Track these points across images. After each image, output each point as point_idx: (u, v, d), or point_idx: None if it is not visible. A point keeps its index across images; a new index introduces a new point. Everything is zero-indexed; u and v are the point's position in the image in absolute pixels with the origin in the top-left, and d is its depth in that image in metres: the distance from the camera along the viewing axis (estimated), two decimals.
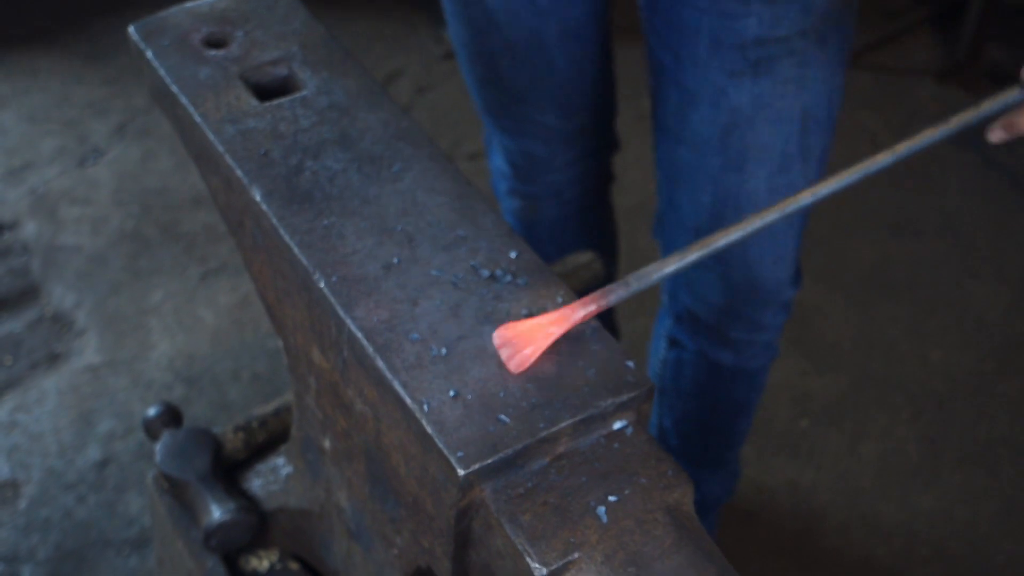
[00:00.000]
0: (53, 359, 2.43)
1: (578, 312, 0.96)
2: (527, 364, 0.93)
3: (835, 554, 2.21)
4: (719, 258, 1.61)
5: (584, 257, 1.58)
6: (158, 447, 1.32)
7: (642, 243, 2.72)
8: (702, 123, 1.52)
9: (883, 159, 1.09)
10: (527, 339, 0.94)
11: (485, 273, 1.01)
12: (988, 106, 1.14)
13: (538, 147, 1.78)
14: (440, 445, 0.88)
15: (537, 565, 0.85)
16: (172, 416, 1.37)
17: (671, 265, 0.99)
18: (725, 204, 1.57)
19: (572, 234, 1.93)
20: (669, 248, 1.73)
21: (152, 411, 1.37)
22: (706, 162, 1.55)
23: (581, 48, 1.66)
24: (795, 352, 2.56)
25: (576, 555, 0.85)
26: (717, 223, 1.59)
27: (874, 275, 2.78)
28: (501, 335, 0.95)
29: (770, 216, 1.04)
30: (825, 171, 1.60)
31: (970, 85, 3.28)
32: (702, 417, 1.91)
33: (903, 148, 1.09)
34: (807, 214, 1.65)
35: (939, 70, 3.35)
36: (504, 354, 0.93)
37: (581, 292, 1.01)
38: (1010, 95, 1.15)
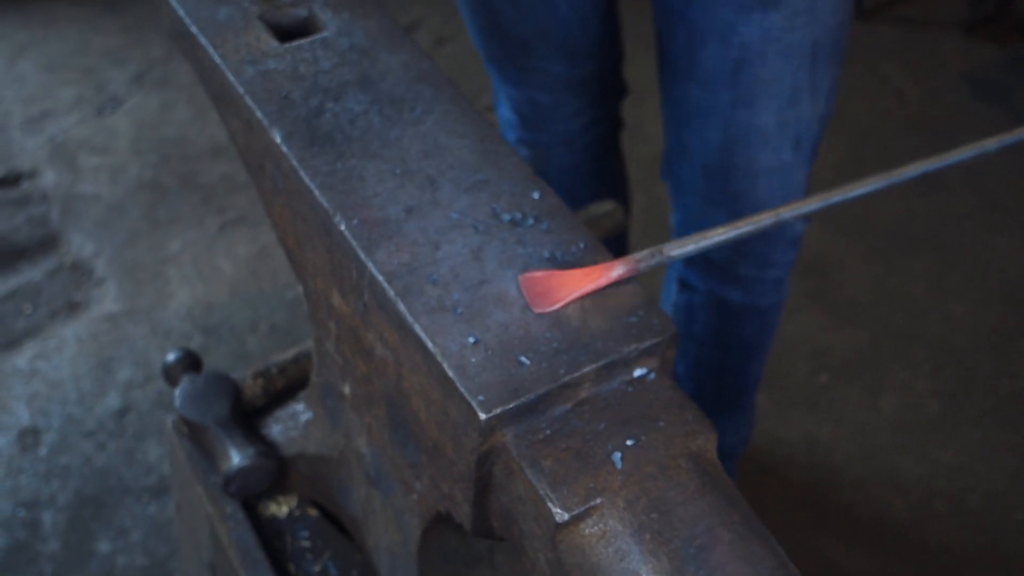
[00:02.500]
0: (72, 308, 2.43)
1: (611, 272, 0.94)
2: (549, 309, 0.92)
3: (852, 508, 2.21)
4: (728, 193, 1.61)
5: (606, 206, 1.57)
6: (178, 392, 1.32)
7: (660, 193, 2.70)
8: (711, 60, 1.51)
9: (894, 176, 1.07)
10: (554, 289, 0.93)
11: (507, 217, 1.00)
12: None
13: (544, 96, 1.77)
14: (461, 389, 0.87)
15: (559, 510, 0.84)
16: (192, 361, 1.37)
17: (713, 237, 0.97)
18: (735, 140, 1.56)
19: (583, 182, 1.92)
20: (677, 188, 1.72)
21: (171, 356, 1.36)
22: (716, 99, 1.54)
23: None
24: (815, 306, 2.54)
25: (598, 500, 0.84)
26: (726, 160, 1.59)
27: (897, 230, 2.76)
28: (528, 280, 0.93)
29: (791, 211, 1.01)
30: (833, 103, 1.59)
31: (999, 38, 3.24)
32: (715, 361, 1.91)
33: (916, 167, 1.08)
34: (815, 150, 1.63)
35: (967, 23, 3.30)
36: (528, 294, 0.92)
37: (602, 241, 1.00)
38: None
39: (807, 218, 1.71)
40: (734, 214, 1.63)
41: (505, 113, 1.87)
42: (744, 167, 1.59)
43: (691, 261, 1.78)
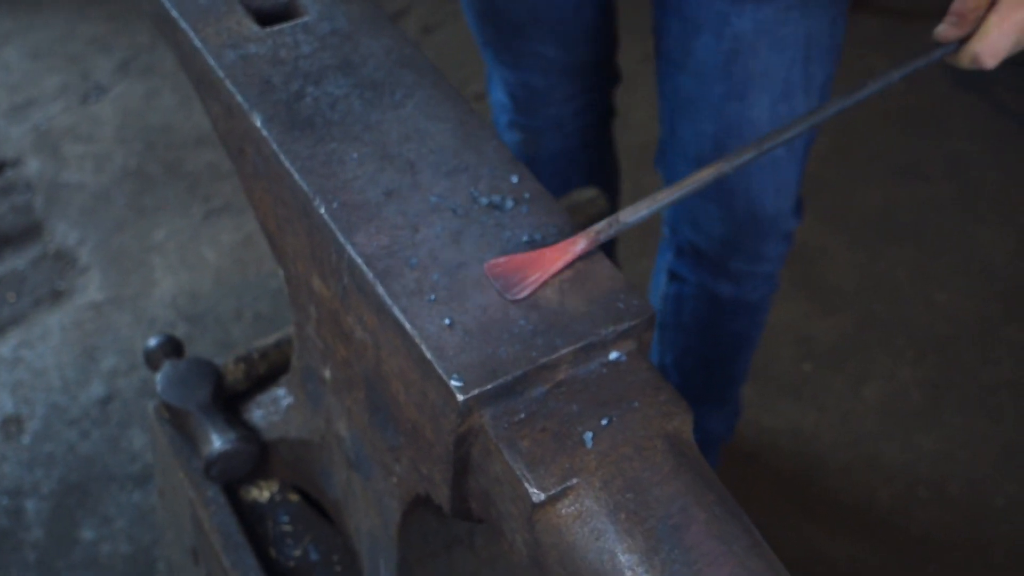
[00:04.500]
0: (56, 296, 2.43)
1: (573, 248, 0.95)
2: (521, 296, 0.93)
3: (836, 496, 2.22)
4: (721, 189, 1.61)
5: (589, 193, 1.57)
6: (159, 376, 1.32)
7: (647, 181, 2.70)
8: (704, 51, 1.51)
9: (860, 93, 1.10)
10: (522, 273, 0.94)
11: (486, 201, 1.00)
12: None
13: (538, 79, 1.77)
14: (439, 371, 0.88)
15: (535, 490, 0.85)
16: (173, 347, 1.37)
17: (663, 199, 1.00)
18: (728, 133, 1.57)
19: (573, 169, 1.92)
20: (671, 178, 1.73)
21: (153, 341, 1.36)
22: (708, 91, 1.54)
23: None
24: (799, 294, 2.55)
25: (574, 481, 0.85)
26: (719, 152, 1.59)
27: (880, 218, 2.77)
28: (494, 266, 0.94)
29: (749, 154, 1.04)
30: (828, 101, 1.59)
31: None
32: (703, 352, 1.91)
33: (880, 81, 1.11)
34: (809, 144, 1.64)
35: None
36: (500, 285, 0.93)
37: (585, 227, 1.01)
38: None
39: (799, 213, 1.70)
40: (726, 207, 1.64)
41: (499, 96, 1.87)
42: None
43: (682, 253, 1.78)
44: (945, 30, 1.18)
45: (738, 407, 2.06)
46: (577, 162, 1.93)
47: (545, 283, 0.94)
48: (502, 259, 0.95)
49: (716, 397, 2.00)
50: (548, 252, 0.95)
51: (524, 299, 0.93)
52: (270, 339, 1.41)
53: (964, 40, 1.18)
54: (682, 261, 1.80)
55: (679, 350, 1.93)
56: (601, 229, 0.97)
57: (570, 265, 0.96)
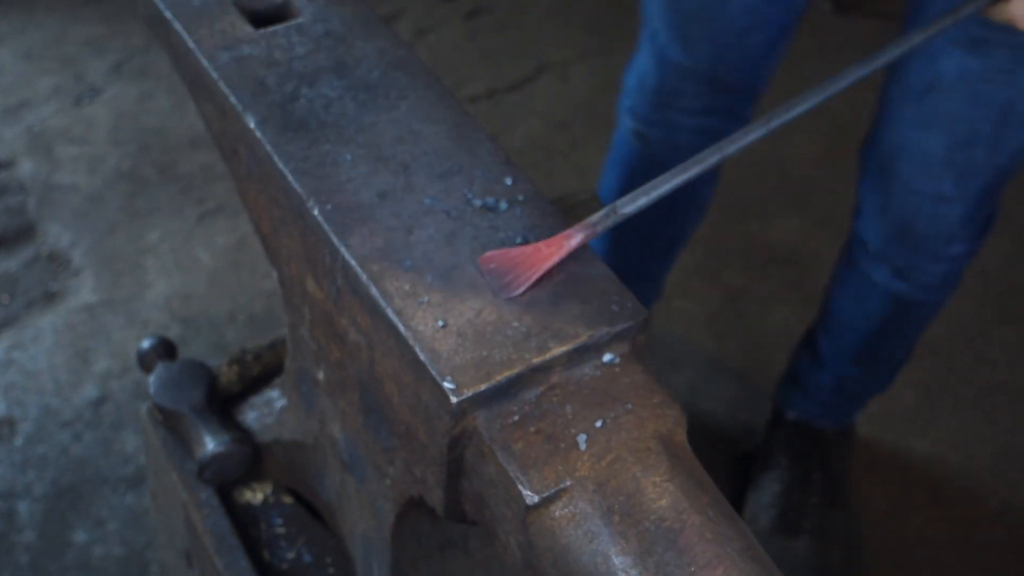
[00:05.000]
0: (49, 298, 2.42)
1: (568, 242, 0.95)
2: (516, 292, 0.92)
3: None
4: (887, 193, 1.68)
5: (584, 195, 1.57)
6: (152, 379, 1.32)
7: None
8: (912, 73, 1.55)
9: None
10: (515, 267, 0.93)
11: (480, 203, 1.00)
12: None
13: (673, 80, 1.74)
14: (433, 373, 0.88)
15: (529, 493, 0.84)
16: (166, 349, 1.37)
17: (661, 188, 0.99)
18: (901, 150, 1.62)
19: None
20: (867, 169, 1.77)
21: (146, 343, 1.36)
22: (903, 107, 1.59)
23: (764, 12, 1.65)
24: (792, 297, 2.55)
25: (568, 483, 0.85)
26: (892, 165, 1.65)
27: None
28: (488, 260, 0.94)
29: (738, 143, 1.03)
30: (1018, 169, 1.62)
31: None
32: (882, 352, 1.98)
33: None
34: (986, 195, 1.66)
35: None
36: (493, 282, 0.93)
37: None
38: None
39: (954, 239, 1.73)
40: (884, 212, 1.71)
41: (632, 77, 1.84)
42: (904, 180, 1.65)
43: (901, 273, 1.80)
44: None
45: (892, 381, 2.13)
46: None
47: (541, 279, 0.94)
48: (496, 253, 0.94)
49: (883, 376, 2.09)
50: (543, 246, 0.94)
51: (519, 296, 0.92)
52: (263, 341, 1.40)
53: None
54: (906, 282, 1.82)
55: (860, 344, 1.98)
56: (598, 221, 0.96)
57: (565, 265, 0.96)
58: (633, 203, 0.97)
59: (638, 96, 1.83)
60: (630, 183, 1.96)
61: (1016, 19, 1.17)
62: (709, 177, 1.97)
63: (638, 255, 2.05)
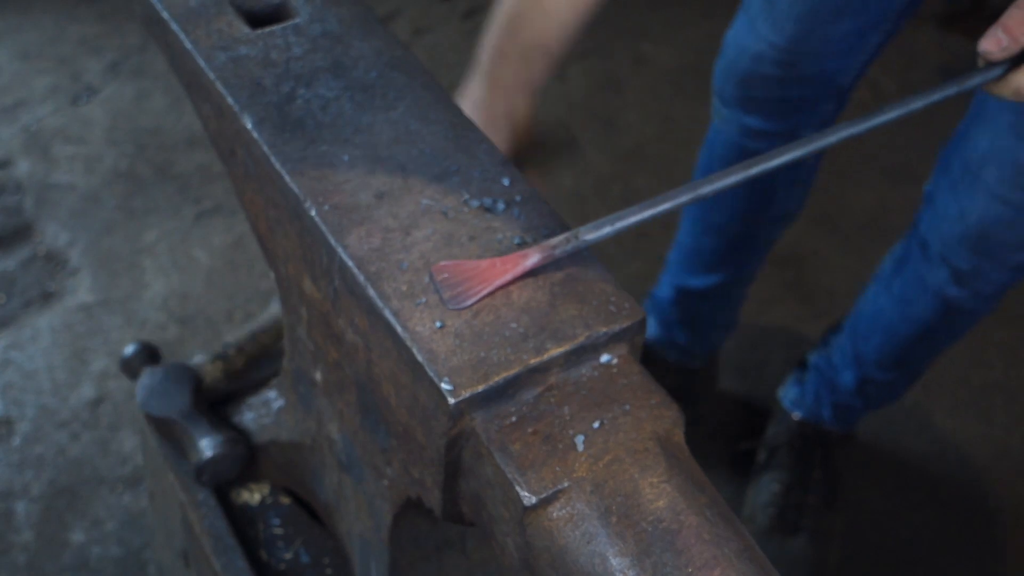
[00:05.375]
0: (47, 297, 2.42)
1: (524, 261, 0.93)
2: (464, 304, 0.91)
3: None
4: (973, 197, 1.66)
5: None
6: (138, 388, 1.32)
7: (638, 183, 2.71)
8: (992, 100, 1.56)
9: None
10: (467, 280, 0.93)
11: (477, 203, 1.00)
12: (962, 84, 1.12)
13: (755, 50, 1.70)
14: (431, 374, 0.87)
15: (526, 494, 0.84)
16: (149, 354, 1.36)
17: (627, 220, 0.96)
18: (992, 157, 1.61)
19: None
20: (948, 171, 1.75)
21: (129, 350, 1.36)
22: (1001, 115, 1.59)
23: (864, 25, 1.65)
24: (791, 297, 2.55)
25: (566, 484, 0.85)
26: (978, 169, 1.64)
27: (871, 221, 2.77)
28: (440, 270, 0.93)
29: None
30: None
31: (973, 32, 3.25)
32: (916, 343, 1.96)
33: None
34: None
35: (942, 16, 3.32)
36: (443, 291, 0.92)
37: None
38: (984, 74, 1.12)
39: None
40: (972, 222, 1.68)
41: (726, 43, 1.80)
42: (992, 184, 1.63)
43: (961, 280, 1.79)
44: (990, 44, 1.09)
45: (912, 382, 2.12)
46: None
47: (488, 296, 0.92)
48: (449, 264, 0.93)
49: (911, 372, 2.06)
50: (499, 263, 0.93)
51: (464, 310, 0.91)
52: (243, 331, 1.40)
53: (1011, 67, 1.10)
54: (959, 286, 1.80)
55: (892, 331, 1.97)
56: (558, 244, 0.94)
57: (562, 265, 0.96)
58: (596, 231, 0.95)
59: (722, 62, 1.80)
60: (708, 165, 1.95)
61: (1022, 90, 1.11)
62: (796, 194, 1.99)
63: (740, 224, 2.03)
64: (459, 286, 0.92)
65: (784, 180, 1.92)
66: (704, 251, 2.08)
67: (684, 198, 0.98)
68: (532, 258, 0.94)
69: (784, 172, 1.76)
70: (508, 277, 0.93)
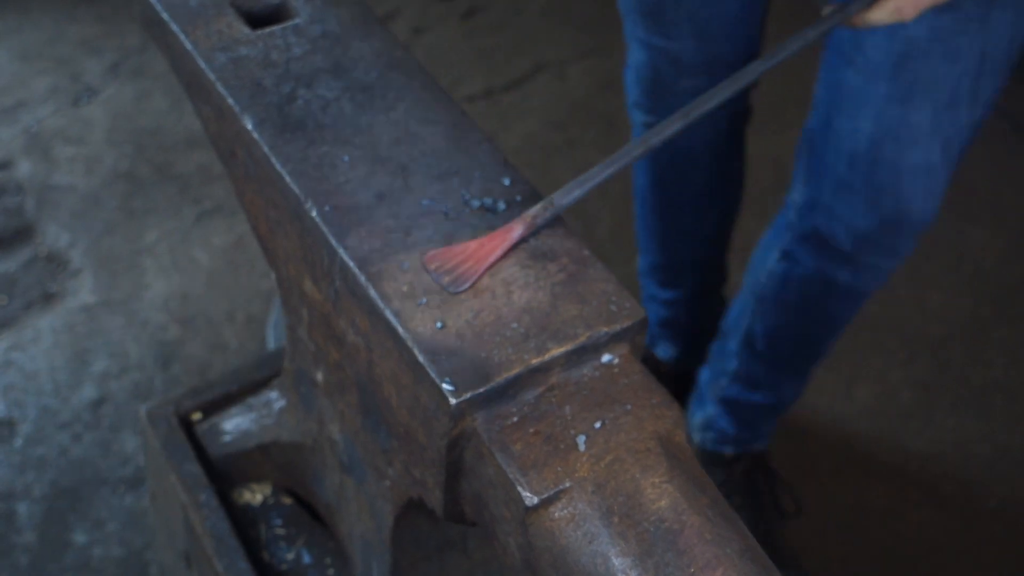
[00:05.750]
0: (48, 298, 2.42)
1: (510, 235, 0.96)
2: (465, 287, 0.93)
3: (827, 497, 2.22)
4: (871, 184, 1.61)
5: None
6: None
7: None
8: (876, 50, 1.50)
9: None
10: (460, 264, 0.94)
11: (478, 203, 1.00)
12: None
13: (666, 66, 1.74)
14: (432, 374, 0.88)
15: (528, 494, 0.84)
16: None
17: (594, 178, 1.01)
18: (885, 135, 1.56)
19: (692, 167, 1.90)
20: (813, 170, 1.71)
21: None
22: (874, 89, 1.53)
23: None
24: None
25: (567, 484, 0.85)
26: (874, 152, 1.58)
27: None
28: (432, 259, 0.94)
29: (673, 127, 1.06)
30: (990, 112, 1.59)
31: None
32: (799, 329, 1.92)
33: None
34: (965, 149, 1.62)
35: None
36: (440, 278, 0.93)
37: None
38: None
39: (937, 209, 1.69)
40: (873, 203, 1.64)
41: (629, 75, 1.85)
42: (891, 161, 1.59)
43: (806, 239, 1.76)
44: None
45: (809, 379, 2.07)
46: (697, 163, 1.91)
47: (484, 273, 0.95)
48: (438, 252, 0.95)
49: (797, 369, 2.01)
50: (486, 242, 0.95)
51: (465, 291, 0.93)
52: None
53: None
54: (804, 246, 1.78)
55: (773, 323, 1.93)
56: (537, 213, 0.98)
57: (564, 266, 0.96)
58: (568, 195, 0.99)
59: (638, 90, 1.84)
60: (659, 176, 1.96)
61: (903, 9, 1.15)
62: (734, 152, 1.99)
63: (688, 245, 2.06)
64: (454, 270, 0.94)
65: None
66: (658, 267, 2.13)
67: (637, 151, 1.04)
68: (517, 231, 0.96)
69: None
70: (499, 252, 0.95)
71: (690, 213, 2.02)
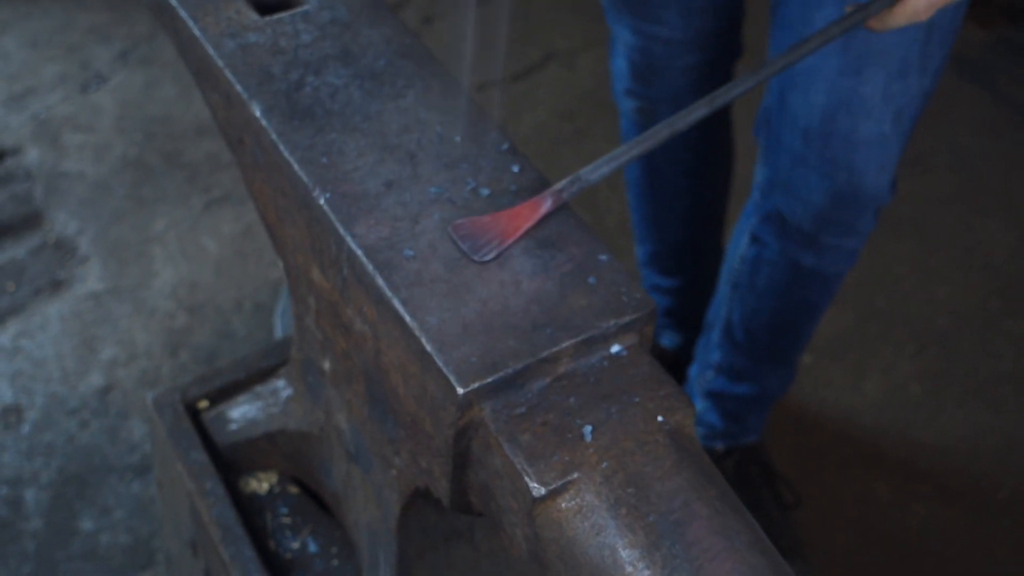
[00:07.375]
0: (56, 286, 2.42)
1: (538, 208, 0.96)
2: (491, 256, 0.94)
3: (836, 490, 2.21)
4: (824, 158, 1.61)
5: None
6: None
7: None
8: (826, 23, 1.49)
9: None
10: (486, 233, 0.94)
11: (487, 191, 0.99)
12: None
13: (656, 47, 1.75)
14: (439, 363, 0.87)
15: (535, 485, 0.84)
16: None
17: (623, 156, 1.01)
18: (838, 107, 1.56)
19: (685, 144, 1.90)
20: (771, 147, 1.70)
21: None
22: (824, 63, 1.53)
23: None
24: None
25: (575, 475, 0.84)
26: (827, 125, 1.58)
27: (881, 211, 2.76)
28: (459, 227, 0.95)
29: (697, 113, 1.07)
30: (939, 81, 1.59)
31: (984, 20, 3.23)
32: (773, 315, 1.91)
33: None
34: (915, 124, 1.63)
35: None
36: (467, 246, 0.94)
37: None
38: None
39: (893, 191, 1.70)
40: (828, 178, 1.63)
41: (618, 61, 1.85)
42: (844, 134, 1.59)
43: (769, 219, 1.77)
44: None
45: (794, 370, 2.07)
46: (690, 138, 1.90)
47: (511, 245, 0.95)
48: (466, 220, 0.95)
49: (777, 358, 2.01)
50: (514, 213, 0.96)
51: (490, 261, 0.94)
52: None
53: None
54: (767, 227, 1.79)
55: (749, 310, 1.92)
56: (564, 187, 0.98)
57: (573, 256, 0.95)
58: (596, 171, 0.99)
59: (630, 77, 1.84)
60: (649, 160, 1.97)
61: (919, 11, 1.14)
62: (720, 124, 2.00)
63: (685, 228, 2.07)
64: (479, 239, 0.94)
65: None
66: (658, 255, 2.13)
67: (663, 133, 1.05)
68: (546, 203, 0.96)
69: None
70: (529, 224, 0.96)
71: (684, 193, 2.03)
